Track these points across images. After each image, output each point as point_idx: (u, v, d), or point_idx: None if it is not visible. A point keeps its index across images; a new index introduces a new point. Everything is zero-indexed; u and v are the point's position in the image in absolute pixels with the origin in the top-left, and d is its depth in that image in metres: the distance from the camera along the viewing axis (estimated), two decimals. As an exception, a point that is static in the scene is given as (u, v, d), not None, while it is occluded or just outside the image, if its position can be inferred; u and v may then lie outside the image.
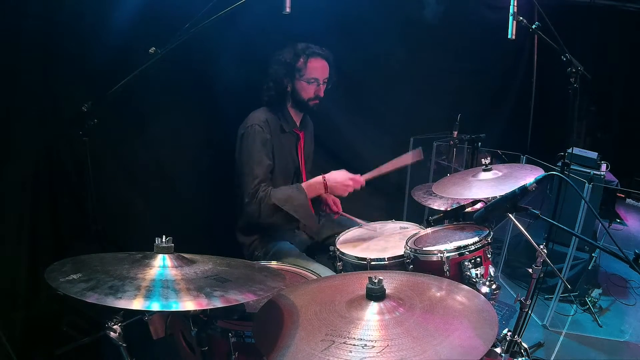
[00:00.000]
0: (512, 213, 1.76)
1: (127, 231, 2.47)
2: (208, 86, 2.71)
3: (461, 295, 1.47)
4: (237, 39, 2.67)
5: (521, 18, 2.47)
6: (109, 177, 2.38)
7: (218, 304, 1.20)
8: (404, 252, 2.11)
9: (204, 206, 2.86)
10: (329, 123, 3.34)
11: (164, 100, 2.56)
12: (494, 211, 1.83)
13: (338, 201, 2.75)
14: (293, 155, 2.68)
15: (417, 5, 3.62)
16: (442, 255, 2.00)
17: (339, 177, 2.44)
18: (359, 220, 2.66)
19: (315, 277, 1.97)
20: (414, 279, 1.59)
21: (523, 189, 1.71)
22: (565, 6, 4.79)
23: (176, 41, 1.97)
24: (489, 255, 2.10)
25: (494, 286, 1.98)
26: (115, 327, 1.31)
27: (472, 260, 2.01)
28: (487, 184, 2.19)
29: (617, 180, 3.87)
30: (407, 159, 2.59)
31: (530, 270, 1.74)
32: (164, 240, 1.39)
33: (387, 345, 1.19)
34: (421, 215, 3.75)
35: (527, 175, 2.10)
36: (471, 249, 2.02)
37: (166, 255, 1.36)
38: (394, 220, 2.67)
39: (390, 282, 1.51)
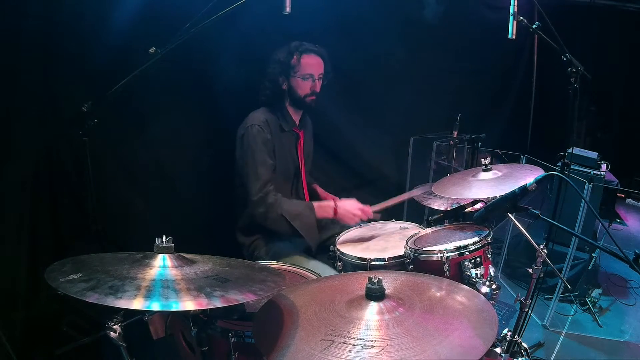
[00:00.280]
0: (512, 213, 1.76)
1: (127, 231, 2.47)
2: (208, 86, 2.71)
3: (461, 295, 1.47)
4: (237, 39, 2.67)
5: (521, 18, 2.47)
6: (109, 177, 2.38)
7: (218, 304, 1.20)
8: (404, 252, 2.11)
9: (204, 206, 2.86)
10: (329, 123, 3.35)
11: (164, 100, 2.56)
12: (494, 211, 1.83)
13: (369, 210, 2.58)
14: (293, 155, 2.68)
15: (417, 5, 3.62)
16: (442, 255, 2.00)
17: (349, 206, 2.51)
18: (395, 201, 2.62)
19: (315, 277, 1.97)
20: (414, 279, 1.59)
21: (523, 189, 1.71)
22: (565, 6, 4.79)
23: (176, 41, 1.97)
24: (489, 255, 2.10)
25: (494, 286, 1.98)
26: (115, 327, 1.31)
27: (472, 260, 2.01)
28: (487, 184, 2.19)
29: (617, 180, 3.87)
30: (415, 192, 2.72)
31: (530, 270, 1.74)
32: (164, 240, 1.39)
33: (387, 345, 1.19)
34: (421, 215, 3.74)
35: (527, 175, 2.10)
36: (471, 249, 2.02)
37: (166, 255, 1.36)
38: (394, 220, 2.67)
39: (390, 282, 1.51)
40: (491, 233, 2.13)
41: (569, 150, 2.89)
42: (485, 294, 1.89)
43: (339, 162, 3.62)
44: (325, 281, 1.70)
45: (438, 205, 2.60)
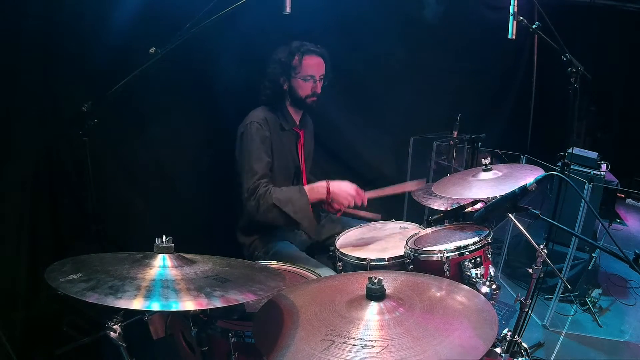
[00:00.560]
0: (512, 213, 1.76)
1: (127, 231, 2.47)
2: (208, 86, 2.71)
3: (461, 295, 1.47)
4: (237, 39, 2.67)
5: (521, 18, 2.47)
6: (109, 177, 2.38)
7: (218, 304, 1.20)
8: (404, 252, 2.11)
9: (204, 206, 2.86)
10: (329, 123, 3.35)
11: (164, 100, 2.56)
12: (494, 211, 1.83)
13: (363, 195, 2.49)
14: (293, 154, 2.68)
15: (417, 5, 3.62)
16: (442, 255, 2.00)
17: (343, 186, 2.41)
18: (369, 215, 2.61)
19: (315, 277, 1.97)
20: (414, 279, 1.59)
21: (523, 189, 1.71)
22: (565, 6, 4.79)
23: (176, 41, 1.97)
24: (489, 255, 2.10)
25: (494, 286, 1.98)
26: (115, 327, 1.31)
27: (472, 260, 2.01)
28: (487, 184, 2.19)
29: (617, 180, 3.87)
30: (410, 186, 2.71)
31: (530, 270, 1.74)
32: (164, 240, 1.39)
33: (387, 345, 1.19)
34: (421, 215, 3.74)
35: (527, 175, 2.10)
36: (471, 249, 2.02)
37: (166, 255, 1.36)
38: (394, 220, 2.66)
39: (390, 282, 1.51)
40: (491, 233, 2.13)
41: (569, 150, 2.89)
42: (485, 294, 1.89)
43: (339, 162, 3.61)
44: (326, 281, 1.70)
45: (438, 205, 2.59)
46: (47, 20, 2.05)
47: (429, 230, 2.33)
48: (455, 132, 3.62)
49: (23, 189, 2.10)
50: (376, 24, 3.53)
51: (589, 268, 3.57)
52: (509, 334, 1.81)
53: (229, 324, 1.58)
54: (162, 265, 1.33)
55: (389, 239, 2.44)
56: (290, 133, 2.66)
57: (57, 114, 2.17)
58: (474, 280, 1.98)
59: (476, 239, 2.07)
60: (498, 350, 1.78)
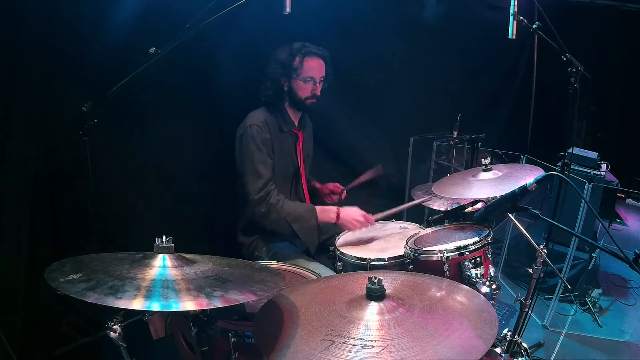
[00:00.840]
0: (512, 213, 1.76)
1: (127, 231, 2.47)
2: (208, 86, 2.71)
3: (461, 295, 1.47)
4: (237, 39, 2.67)
5: (521, 18, 2.47)
6: (109, 177, 2.38)
7: (218, 304, 1.20)
8: (404, 252, 2.11)
9: (204, 206, 2.86)
10: (329, 123, 3.34)
11: (164, 100, 2.56)
12: (494, 211, 1.83)
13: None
14: (292, 155, 2.68)
15: (417, 6, 3.62)
16: (442, 255, 2.00)
17: (352, 212, 2.47)
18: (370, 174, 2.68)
19: (315, 277, 1.97)
20: (414, 279, 1.59)
21: (523, 189, 1.71)
22: (565, 6, 4.79)
23: (176, 41, 1.97)
24: (489, 255, 2.10)
25: (494, 286, 1.98)
26: (115, 327, 1.31)
27: (472, 260, 2.01)
28: (487, 184, 2.19)
29: (617, 180, 3.87)
30: (418, 201, 2.74)
31: (530, 270, 1.74)
32: (164, 240, 1.39)
33: (387, 345, 1.19)
34: (421, 215, 3.74)
35: (527, 175, 2.10)
36: (471, 249, 2.02)
37: (166, 255, 1.36)
38: (394, 220, 2.66)
39: (390, 282, 1.51)
40: (491, 233, 2.13)
41: (569, 150, 2.89)
42: (485, 294, 1.89)
43: (338, 162, 3.61)
44: (325, 281, 1.70)
45: (438, 205, 2.60)
46: (47, 20, 2.05)
47: (429, 230, 2.33)
48: (455, 132, 3.62)
49: (23, 189, 2.09)
50: (376, 24, 3.53)
51: (589, 268, 3.57)
52: (509, 334, 1.80)
53: (229, 324, 1.58)
54: (162, 265, 1.33)
55: (389, 238, 2.44)
56: (289, 134, 2.65)
57: (57, 114, 2.17)
58: (474, 280, 1.98)
59: (476, 239, 2.07)
60: (498, 350, 1.78)
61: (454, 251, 2.01)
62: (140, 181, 2.56)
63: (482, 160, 2.31)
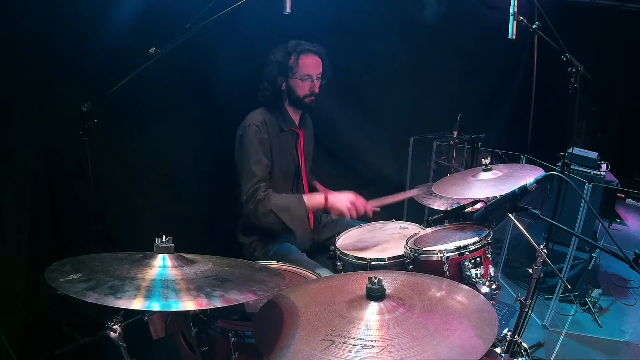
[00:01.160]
0: (512, 213, 1.76)
1: (127, 231, 2.47)
2: (208, 86, 2.71)
3: (461, 295, 1.47)
4: (237, 39, 2.67)
5: (521, 18, 2.47)
6: (109, 177, 2.38)
7: (218, 304, 1.20)
8: (404, 252, 2.11)
9: (204, 206, 2.86)
10: (329, 123, 3.34)
11: (164, 100, 2.56)
12: (494, 211, 1.83)
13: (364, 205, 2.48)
14: (293, 154, 2.68)
15: (417, 5, 3.62)
16: (442, 255, 2.00)
17: (342, 197, 2.43)
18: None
19: (315, 277, 1.97)
20: (414, 279, 1.59)
21: (523, 189, 1.71)
22: (565, 6, 4.79)
23: (176, 41, 1.97)
24: (489, 255, 2.10)
25: (494, 286, 1.98)
26: (115, 327, 1.31)
27: (472, 260, 2.01)
28: (487, 184, 2.19)
29: (617, 180, 3.87)
30: (415, 192, 2.72)
31: (530, 270, 1.74)
32: (164, 240, 1.39)
33: (387, 345, 1.19)
34: (421, 215, 3.74)
35: (527, 175, 2.10)
36: (471, 249, 2.02)
37: (166, 255, 1.36)
38: (394, 220, 2.66)
39: (390, 282, 1.51)
40: (491, 233, 2.13)
41: (569, 150, 2.90)
42: (485, 294, 1.89)
43: (339, 162, 3.62)
44: (325, 281, 1.70)
45: (438, 205, 2.59)
46: (47, 20, 2.05)
47: (429, 230, 2.33)
48: (455, 132, 3.62)
49: (23, 189, 2.09)
50: (376, 24, 3.53)
51: (589, 268, 3.57)
52: (509, 334, 1.81)
53: (229, 324, 1.58)
54: (162, 265, 1.33)
55: (389, 239, 2.44)
56: (290, 133, 2.65)
57: (57, 114, 2.17)
58: (474, 280, 1.98)
59: (476, 239, 2.07)
60: (498, 350, 1.78)
61: (454, 251, 2.01)
62: (140, 181, 2.56)
63: (482, 160, 2.31)
